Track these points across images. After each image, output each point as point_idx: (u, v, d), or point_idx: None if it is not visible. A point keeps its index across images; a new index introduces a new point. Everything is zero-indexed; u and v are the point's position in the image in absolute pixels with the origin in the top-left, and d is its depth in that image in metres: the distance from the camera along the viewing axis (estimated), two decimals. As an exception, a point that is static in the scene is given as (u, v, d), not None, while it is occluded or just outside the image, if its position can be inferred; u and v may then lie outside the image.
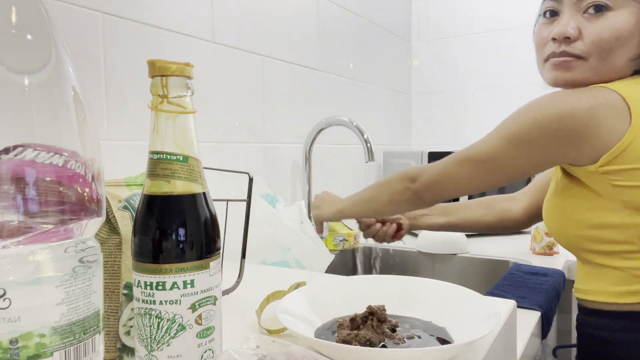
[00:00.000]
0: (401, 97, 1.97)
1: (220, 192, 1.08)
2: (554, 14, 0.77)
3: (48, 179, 0.30)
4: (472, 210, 1.07)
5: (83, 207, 0.32)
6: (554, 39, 0.75)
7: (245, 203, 0.63)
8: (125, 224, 0.44)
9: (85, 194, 0.33)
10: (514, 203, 1.06)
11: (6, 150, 0.29)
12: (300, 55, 1.36)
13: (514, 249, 1.20)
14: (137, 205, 0.45)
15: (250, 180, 0.63)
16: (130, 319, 0.44)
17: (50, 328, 0.31)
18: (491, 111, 1.87)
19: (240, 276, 0.64)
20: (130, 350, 0.44)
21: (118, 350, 0.44)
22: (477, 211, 1.07)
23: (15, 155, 0.29)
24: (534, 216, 1.05)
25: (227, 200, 0.67)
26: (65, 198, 0.31)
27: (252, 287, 0.72)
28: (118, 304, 0.44)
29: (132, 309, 0.44)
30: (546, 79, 0.79)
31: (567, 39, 0.74)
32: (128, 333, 0.44)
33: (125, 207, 0.45)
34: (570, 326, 1.09)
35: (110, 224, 0.44)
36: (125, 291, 0.44)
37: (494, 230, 1.08)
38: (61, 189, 0.31)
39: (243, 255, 0.63)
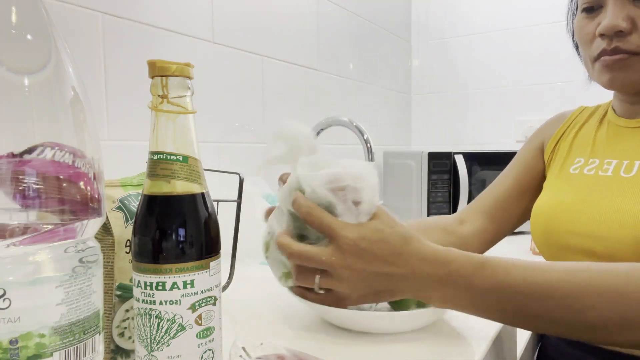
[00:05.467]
0: (401, 97, 1.97)
1: (220, 192, 1.08)
2: (596, 7, 0.67)
3: (50, 178, 0.30)
4: (433, 236, 0.79)
5: (84, 206, 0.32)
6: (602, 35, 0.64)
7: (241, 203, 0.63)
8: (119, 225, 0.44)
9: (86, 194, 0.33)
10: (464, 227, 0.82)
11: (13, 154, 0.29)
12: (300, 55, 1.36)
13: (513, 249, 1.19)
14: (131, 206, 0.44)
15: (241, 180, 0.63)
16: (123, 321, 0.44)
17: (50, 328, 0.31)
18: (491, 111, 1.87)
19: (230, 276, 0.63)
20: (124, 352, 0.44)
21: (111, 352, 0.44)
22: (437, 237, 0.79)
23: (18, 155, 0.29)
24: (489, 243, 0.84)
25: (218, 201, 0.67)
26: (67, 197, 0.31)
27: (252, 287, 0.72)
28: (111, 305, 0.44)
29: (126, 311, 0.44)
30: (600, 82, 0.69)
31: (620, 33, 0.63)
32: (122, 334, 0.44)
33: (119, 208, 0.44)
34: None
35: (104, 225, 0.44)
36: (118, 292, 0.44)
37: None
38: (63, 188, 0.31)
39: (233, 255, 0.63)
